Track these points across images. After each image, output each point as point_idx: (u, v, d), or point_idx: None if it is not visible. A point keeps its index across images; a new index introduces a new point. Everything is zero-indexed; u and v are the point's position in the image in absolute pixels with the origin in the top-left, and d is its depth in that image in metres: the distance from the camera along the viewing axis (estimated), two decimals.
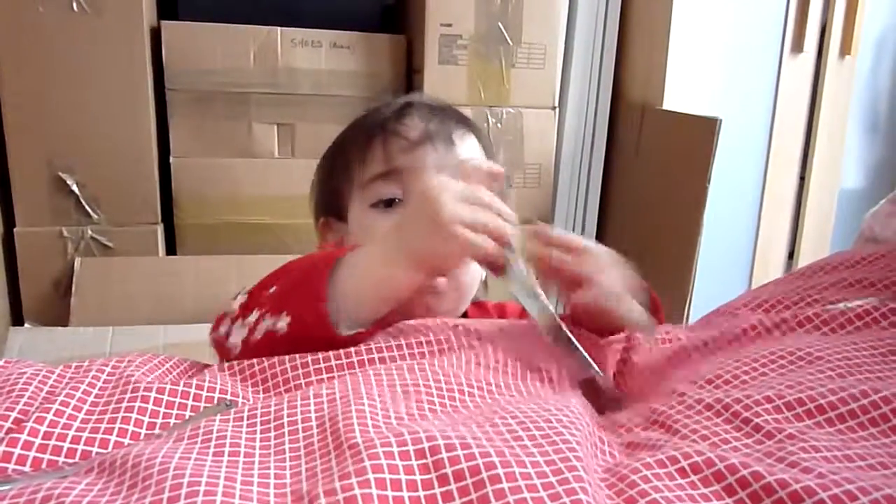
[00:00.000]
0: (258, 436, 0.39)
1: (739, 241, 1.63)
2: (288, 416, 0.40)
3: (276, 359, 0.50)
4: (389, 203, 0.66)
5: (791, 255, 1.70)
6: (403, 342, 0.52)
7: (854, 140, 1.71)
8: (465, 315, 0.72)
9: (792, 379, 0.45)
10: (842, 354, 0.48)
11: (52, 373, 0.47)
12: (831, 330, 0.55)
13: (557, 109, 1.46)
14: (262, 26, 1.30)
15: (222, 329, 0.55)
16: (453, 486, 0.33)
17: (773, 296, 0.66)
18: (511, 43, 1.39)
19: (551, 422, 0.38)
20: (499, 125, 1.41)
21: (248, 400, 0.47)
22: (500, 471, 0.33)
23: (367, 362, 0.50)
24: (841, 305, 0.57)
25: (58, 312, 1.22)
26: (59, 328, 1.17)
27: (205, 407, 0.46)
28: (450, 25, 1.35)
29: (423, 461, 0.34)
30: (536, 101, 1.43)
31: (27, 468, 0.39)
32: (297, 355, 0.50)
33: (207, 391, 0.47)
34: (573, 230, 1.57)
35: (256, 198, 1.32)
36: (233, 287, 1.29)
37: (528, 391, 0.49)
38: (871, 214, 1.05)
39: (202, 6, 1.32)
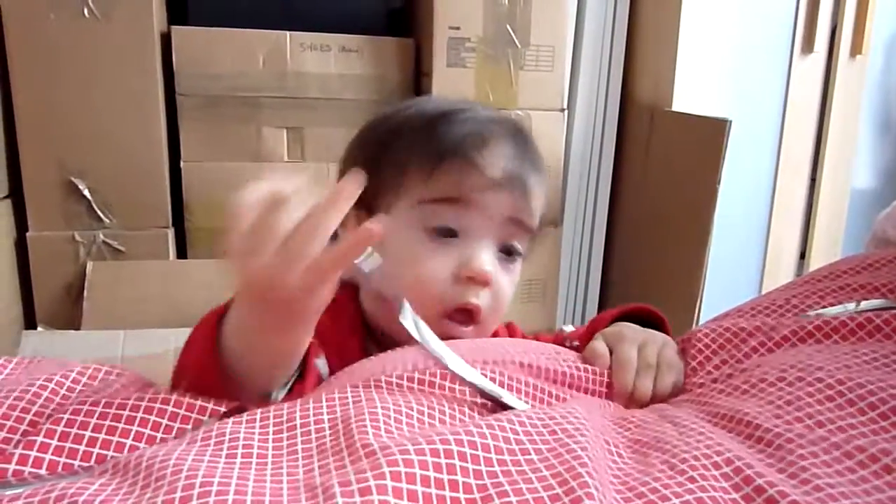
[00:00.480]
0: (271, 437, 0.39)
1: (750, 242, 1.62)
2: (301, 419, 0.41)
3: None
4: (446, 233, 0.61)
5: (803, 255, 1.69)
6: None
7: (865, 140, 1.70)
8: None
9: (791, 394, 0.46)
10: (841, 364, 0.48)
11: (67, 377, 0.48)
12: (834, 342, 0.54)
13: (566, 111, 1.46)
14: (272, 31, 1.31)
15: None
16: (461, 496, 0.33)
17: (774, 302, 0.66)
18: (519, 45, 1.39)
19: (556, 433, 0.39)
20: None
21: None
22: (508, 488, 0.33)
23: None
24: (843, 308, 0.57)
25: (70, 316, 1.23)
26: (72, 331, 1.18)
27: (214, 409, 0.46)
28: (458, 28, 1.35)
29: (437, 460, 0.34)
30: (545, 104, 1.43)
31: (43, 471, 0.39)
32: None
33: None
34: (582, 232, 1.57)
35: None
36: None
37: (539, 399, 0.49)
38: (884, 216, 1.05)
39: (212, 11, 1.33)
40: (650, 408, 0.55)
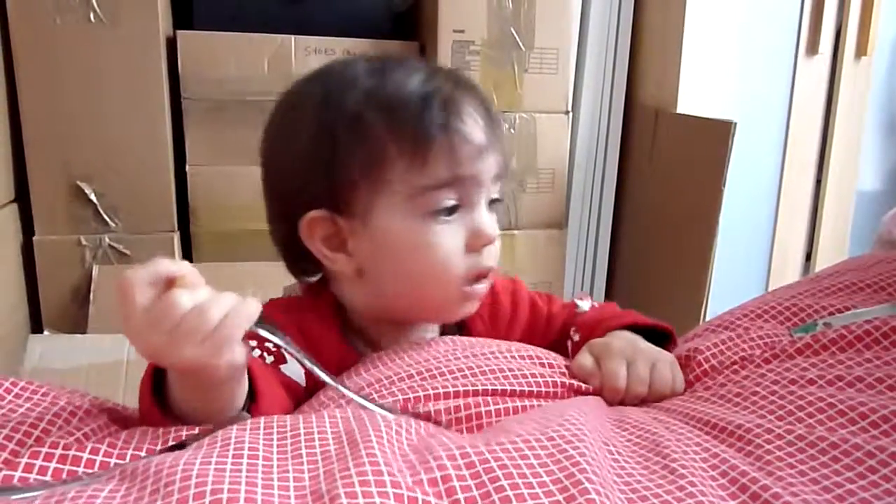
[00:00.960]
0: (275, 442, 0.40)
1: (756, 244, 1.62)
2: (304, 428, 0.41)
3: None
4: (448, 212, 0.60)
5: (808, 256, 1.68)
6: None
7: (871, 142, 1.70)
8: None
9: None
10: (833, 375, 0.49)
11: (72, 400, 0.48)
12: (831, 354, 0.54)
13: (571, 114, 1.45)
14: (276, 35, 1.31)
15: None
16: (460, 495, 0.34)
17: (780, 303, 0.66)
18: (524, 48, 1.39)
19: (554, 439, 0.39)
20: (512, 130, 1.41)
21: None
22: (510, 492, 0.34)
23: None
24: (852, 315, 0.57)
25: (76, 320, 1.24)
26: (78, 335, 1.19)
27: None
28: (462, 31, 1.35)
29: (432, 476, 0.35)
30: (549, 106, 1.43)
31: (48, 478, 0.39)
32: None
33: None
34: (587, 235, 1.57)
35: None
36: (248, 294, 1.30)
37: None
38: (890, 217, 1.05)
39: (217, 15, 1.33)
40: (644, 409, 0.55)
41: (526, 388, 0.53)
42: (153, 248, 1.28)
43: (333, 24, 1.37)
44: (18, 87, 1.19)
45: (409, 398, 0.50)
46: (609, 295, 1.61)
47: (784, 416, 0.45)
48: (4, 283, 1.19)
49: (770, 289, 1.61)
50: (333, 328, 0.64)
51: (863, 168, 1.70)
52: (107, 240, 1.26)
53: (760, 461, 0.40)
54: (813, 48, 1.56)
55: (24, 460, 0.39)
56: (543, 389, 0.54)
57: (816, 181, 1.65)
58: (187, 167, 1.30)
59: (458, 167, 0.59)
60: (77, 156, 1.23)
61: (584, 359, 0.61)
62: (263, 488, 0.34)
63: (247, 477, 0.35)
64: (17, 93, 1.19)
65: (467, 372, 0.53)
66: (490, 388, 0.52)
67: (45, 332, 1.23)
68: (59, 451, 0.40)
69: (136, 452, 0.42)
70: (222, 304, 0.45)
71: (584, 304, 0.73)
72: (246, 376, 0.49)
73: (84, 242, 1.25)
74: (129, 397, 0.83)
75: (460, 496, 0.34)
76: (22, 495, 0.36)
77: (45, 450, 0.40)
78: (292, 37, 1.31)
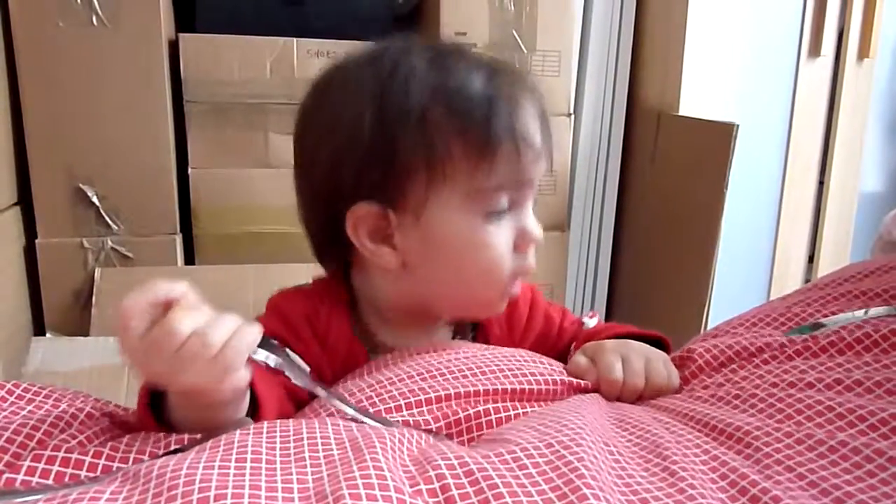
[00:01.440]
0: (278, 446, 0.40)
1: (758, 246, 1.61)
2: (307, 434, 0.41)
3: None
4: (501, 213, 0.60)
5: (811, 259, 1.68)
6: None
7: (873, 143, 1.70)
8: None
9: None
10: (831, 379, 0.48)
11: (74, 403, 0.48)
12: (829, 357, 0.54)
13: (572, 116, 1.45)
14: (278, 37, 1.31)
15: None
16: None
17: (775, 310, 0.66)
18: (525, 50, 1.39)
19: (553, 446, 0.39)
20: None
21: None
22: (509, 500, 0.34)
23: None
24: (851, 315, 0.57)
25: (78, 322, 1.24)
26: (80, 338, 1.19)
27: None
28: (464, 34, 1.35)
29: (432, 486, 0.35)
30: (551, 108, 1.42)
31: (50, 482, 0.39)
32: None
33: None
34: (589, 237, 1.57)
35: (274, 207, 1.33)
36: (250, 296, 1.30)
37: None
38: (892, 217, 1.04)
39: (219, 18, 1.33)
40: (643, 408, 0.55)
41: (526, 387, 0.53)
42: (155, 250, 1.28)
43: (335, 27, 1.37)
44: (21, 90, 1.19)
45: (410, 401, 0.50)
46: (611, 297, 1.61)
47: (783, 420, 0.45)
48: (7, 285, 1.19)
49: (772, 291, 1.62)
50: (345, 321, 0.64)
51: (865, 170, 1.69)
52: (109, 242, 1.26)
53: (760, 464, 0.40)
54: (815, 50, 1.56)
55: (27, 463, 0.39)
56: (543, 388, 0.54)
57: (819, 183, 1.65)
58: (189, 170, 1.30)
59: (521, 171, 0.59)
60: (79, 158, 1.23)
61: (579, 358, 0.62)
62: (267, 491, 0.34)
63: (250, 479, 0.35)
64: (19, 96, 1.19)
65: (467, 372, 0.53)
66: (491, 388, 0.52)
67: (48, 335, 1.24)
68: (61, 455, 0.40)
69: (139, 456, 0.42)
70: (223, 329, 0.44)
71: (591, 322, 0.74)
72: (248, 392, 0.48)
73: (86, 245, 1.25)
74: (131, 400, 0.83)
75: (455, 495, 0.34)
76: (24, 498, 0.36)
77: (47, 453, 0.40)
78: (294, 39, 1.31)
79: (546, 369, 0.57)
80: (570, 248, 1.54)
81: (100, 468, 0.41)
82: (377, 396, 0.50)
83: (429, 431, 0.47)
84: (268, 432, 0.41)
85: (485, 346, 0.62)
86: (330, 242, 0.64)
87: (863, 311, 0.58)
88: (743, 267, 1.58)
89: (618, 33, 1.49)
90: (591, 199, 1.55)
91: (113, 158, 1.24)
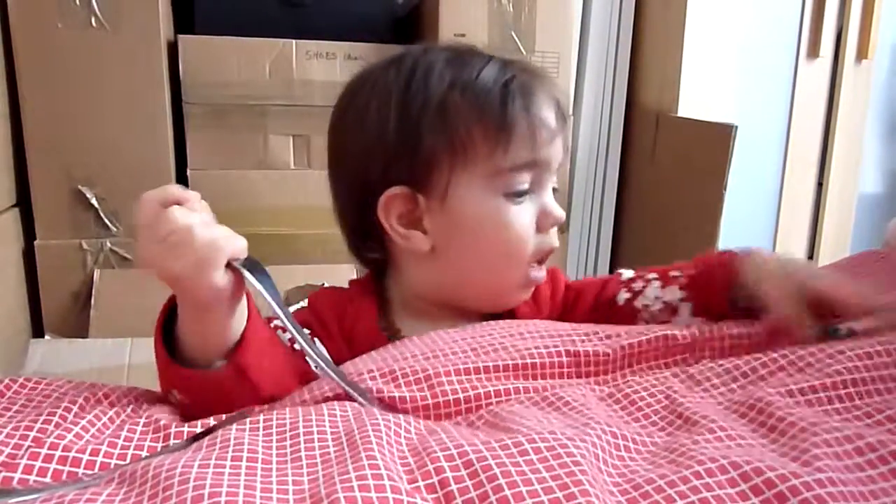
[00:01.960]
0: (274, 444, 0.40)
1: (757, 247, 1.61)
2: (304, 427, 0.41)
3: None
4: (522, 193, 0.64)
5: (810, 259, 1.68)
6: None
7: (872, 145, 1.70)
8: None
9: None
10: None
11: (67, 392, 0.48)
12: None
13: (572, 118, 1.45)
14: (278, 39, 1.31)
15: None
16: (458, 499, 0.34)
17: None
18: (524, 51, 1.39)
19: (555, 433, 0.39)
20: None
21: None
22: (508, 492, 0.34)
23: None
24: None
25: (77, 324, 1.24)
26: (79, 340, 1.18)
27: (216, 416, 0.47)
28: (463, 35, 1.35)
29: (430, 481, 0.35)
30: None
31: (48, 479, 0.39)
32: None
33: None
34: (588, 238, 1.57)
35: (273, 209, 1.33)
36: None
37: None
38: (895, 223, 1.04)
39: (218, 20, 1.33)
40: (662, 393, 0.52)
41: (528, 361, 0.53)
42: None
43: (334, 28, 1.37)
44: (20, 92, 1.19)
45: (409, 379, 0.49)
46: None
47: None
48: (6, 287, 1.19)
49: None
50: (371, 317, 0.67)
51: (864, 171, 1.69)
52: (108, 244, 1.26)
53: (785, 436, 0.40)
54: (814, 51, 1.56)
55: (24, 461, 0.39)
56: (546, 360, 0.53)
57: (818, 184, 1.65)
58: (188, 171, 1.30)
59: (537, 151, 0.64)
60: (78, 160, 1.23)
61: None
62: (262, 491, 0.34)
63: (245, 480, 0.35)
64: (18, 97, 1.19)
65: (469, 351, 0.53)
66: (492, 364, 0.51)
67: (47, 337, 1.23)
68: (58, 453, 0.40)
69: (137, 452, 0.42)
70: (211, 230, 0.49)
71: (628, 272, 0.75)
72: (238, 314, 0.52)
73: (85, 247, 1.26)
74: None
75: (458, 500, 0.34)
76: (20, 498, 0.36)
77: (44, 451, 0.40)
78: (293, 41, 1.32)
79: (550, 342, 0.56)
80: (570, 249, 1.55)
81: (98, 465, 0.41)
82: (377, 371, 0.50)
83: (404, 408, 0.47)
84: (264, 428, 0.41)
85: (496, 322, 0.61)
86: (364, 237, 0.68)
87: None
88: None
89: (616, 34, 1.49)
90: (591, 201, 1.55)
91: (112, 160, 1.24)
